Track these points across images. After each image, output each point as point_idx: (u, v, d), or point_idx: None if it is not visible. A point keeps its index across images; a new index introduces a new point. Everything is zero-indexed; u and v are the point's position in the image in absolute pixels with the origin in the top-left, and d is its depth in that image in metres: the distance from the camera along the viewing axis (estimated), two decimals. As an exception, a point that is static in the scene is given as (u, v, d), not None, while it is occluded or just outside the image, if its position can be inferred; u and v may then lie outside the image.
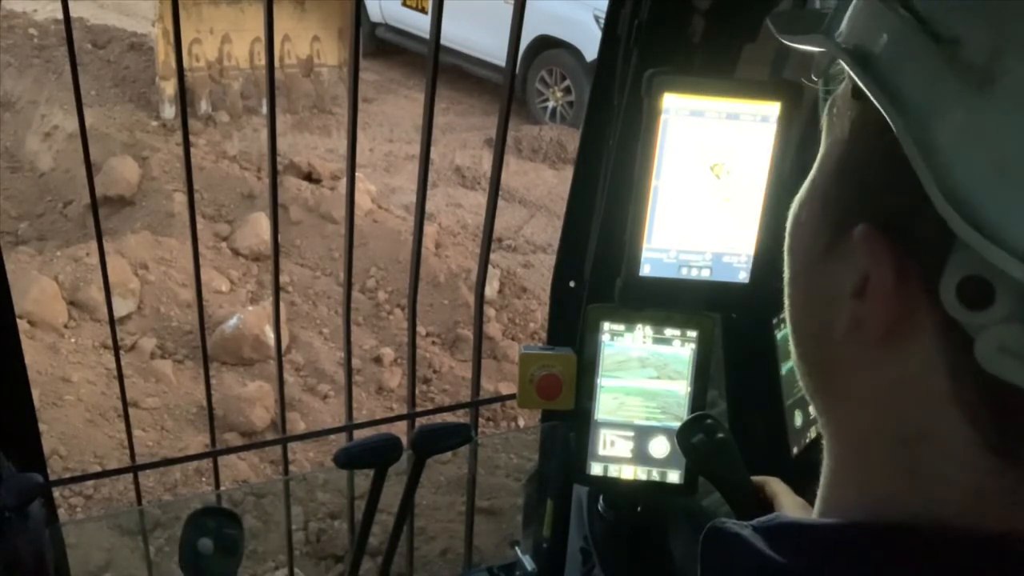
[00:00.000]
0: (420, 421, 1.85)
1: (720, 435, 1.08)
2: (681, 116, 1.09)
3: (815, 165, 0.51)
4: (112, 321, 1.64)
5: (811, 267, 0.50)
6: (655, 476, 1.27)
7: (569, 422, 1.30)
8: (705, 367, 1.23)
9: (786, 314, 0.53)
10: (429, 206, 5.11)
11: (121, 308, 4.20)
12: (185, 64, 1.54)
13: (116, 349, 1.63)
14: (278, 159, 5.82)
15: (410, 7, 7.87)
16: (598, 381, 1.24)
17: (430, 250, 4.92)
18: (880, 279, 0.43)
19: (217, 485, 2.00)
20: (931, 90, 0.41)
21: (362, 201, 5.16)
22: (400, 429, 1.72)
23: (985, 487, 0.43)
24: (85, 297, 4.23)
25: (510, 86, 1.52)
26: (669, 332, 1.22)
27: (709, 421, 1.10)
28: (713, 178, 1.11)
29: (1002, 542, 0.42)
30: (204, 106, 6.44)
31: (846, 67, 0.45)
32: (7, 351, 1.25)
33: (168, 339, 4.27)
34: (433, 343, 4.45)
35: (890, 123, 0.41)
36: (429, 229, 5.06)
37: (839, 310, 0.46)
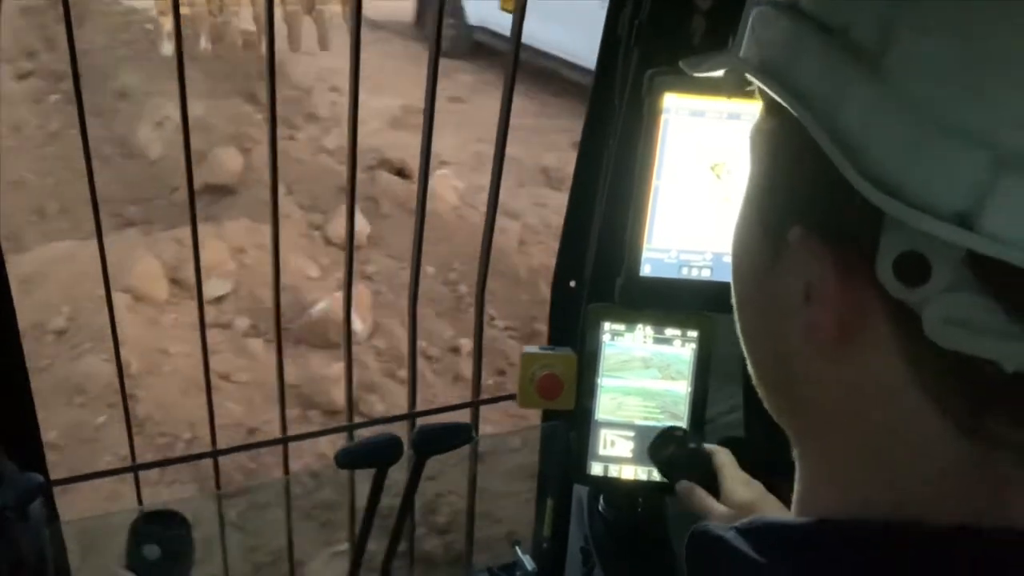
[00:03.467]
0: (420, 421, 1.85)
1: (692, 445, 1.13)
2: (681, 116, 1.09)
3: (745, 191, 0.53)
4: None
5: (759, 288, 0.50)
6: (655, 476, 1.27)
7: (569, 422, 1.30)
8: (706, 367, 1.23)
9: (741, 341, 0.53)
10: (515, 205, 5.35)
11: (219, 288, 4.41)
12: (185, -1, 1.61)
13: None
14: (371, 155, 5.61)
15: (507, 11, 7.89)
16: (598, 381, 1.24)
17: (513, 247, 5.01)
18: (823, 278, 0.43)
19: (218, 485, 2.00)
20: (832, 79, 0.42)
21: (449, 197, 5.35)
22: (401, 429, 1.71)
23: (953, 470, 0.43)
24: (185, 276, 4.40)
25: (511, 81, 1.52)
26: (670, 332, 1.22)
27: (679, 434, 1.15)
28: (713, 178, 1.11)
29: (971, 533, 0.42)
30: (203, 42, 6.50)
31: (751, 78, 0.46)
32: (7, 351, 1.25)
33: (260, 320, 4.41)
34: (511, 337, 4.53)
35: (800, 119, 0.42)
36: (514, 226, 5.18)
37: (793, 321, 0.46)
